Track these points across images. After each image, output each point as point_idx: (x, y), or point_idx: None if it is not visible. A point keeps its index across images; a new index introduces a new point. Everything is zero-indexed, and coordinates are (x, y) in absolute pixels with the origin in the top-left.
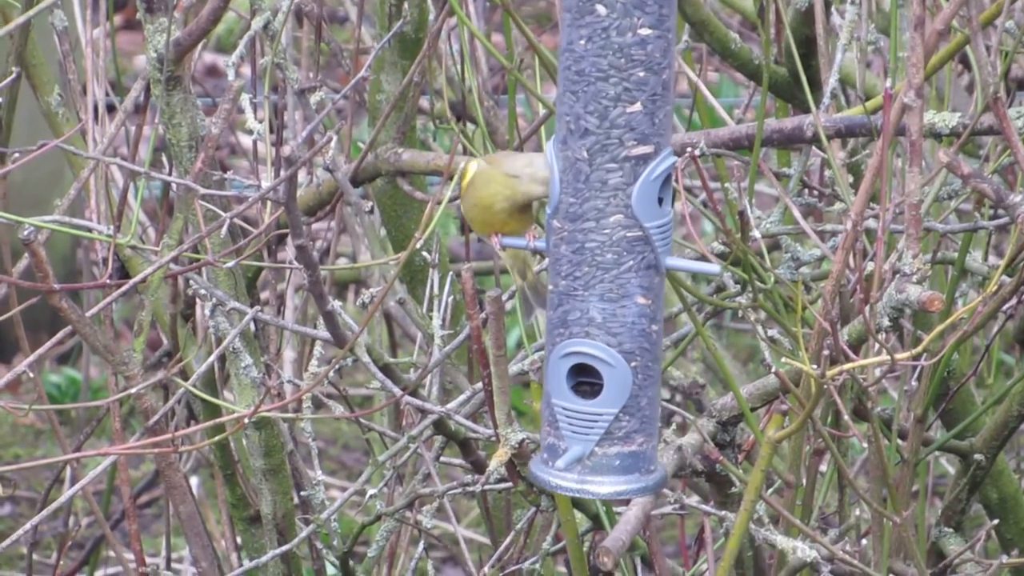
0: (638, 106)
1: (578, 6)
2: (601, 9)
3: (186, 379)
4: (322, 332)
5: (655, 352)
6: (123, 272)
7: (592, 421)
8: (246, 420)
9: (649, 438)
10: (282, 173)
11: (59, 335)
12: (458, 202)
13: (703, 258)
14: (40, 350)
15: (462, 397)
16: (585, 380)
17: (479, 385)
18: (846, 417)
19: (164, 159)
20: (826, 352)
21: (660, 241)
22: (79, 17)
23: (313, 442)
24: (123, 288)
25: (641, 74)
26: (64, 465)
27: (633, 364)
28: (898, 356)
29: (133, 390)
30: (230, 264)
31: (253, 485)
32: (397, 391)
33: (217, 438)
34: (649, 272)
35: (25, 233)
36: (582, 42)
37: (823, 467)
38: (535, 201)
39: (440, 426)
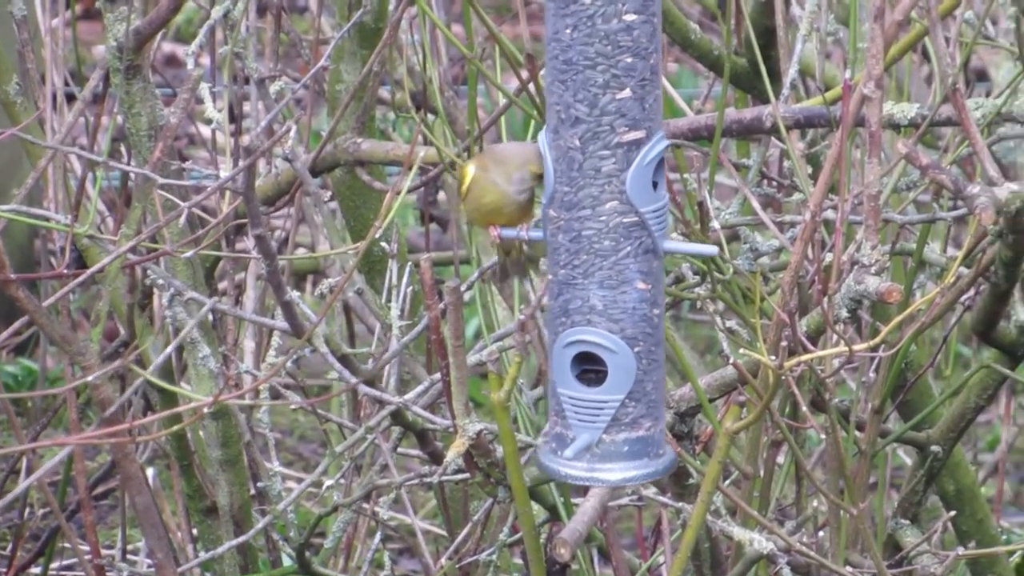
0: (627, 92)
1: None
2: None
3: (144, 369)
4: (280, 322)
5: (658, 336)
6: (81, 262)
7: (598, 408)
8: (204, 410)
9: (656, 422)
10: (241, 163)
11: (16, 325)
12: (416, 193)
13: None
14: None
15: (420, 388)
16: (589, 368)
17: (437, 376)
18: (804, 408)
19: (123, 149)
20: (784, 343)
21: (656, 225)
22: (39, 5)
23: (270, 433)
24: (81, 278)
25: (629, 60)
26: (20, 455)
27: (636, 349)
28: (856, 347)
29: (89, 378)
30: (188, 254)
31: (210, 476)
32: (354, 380)
33: (174, 428)
34: (647, 257)
35: None
36: (568, 31)
37: (780, 458)
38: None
39: (397, 417)
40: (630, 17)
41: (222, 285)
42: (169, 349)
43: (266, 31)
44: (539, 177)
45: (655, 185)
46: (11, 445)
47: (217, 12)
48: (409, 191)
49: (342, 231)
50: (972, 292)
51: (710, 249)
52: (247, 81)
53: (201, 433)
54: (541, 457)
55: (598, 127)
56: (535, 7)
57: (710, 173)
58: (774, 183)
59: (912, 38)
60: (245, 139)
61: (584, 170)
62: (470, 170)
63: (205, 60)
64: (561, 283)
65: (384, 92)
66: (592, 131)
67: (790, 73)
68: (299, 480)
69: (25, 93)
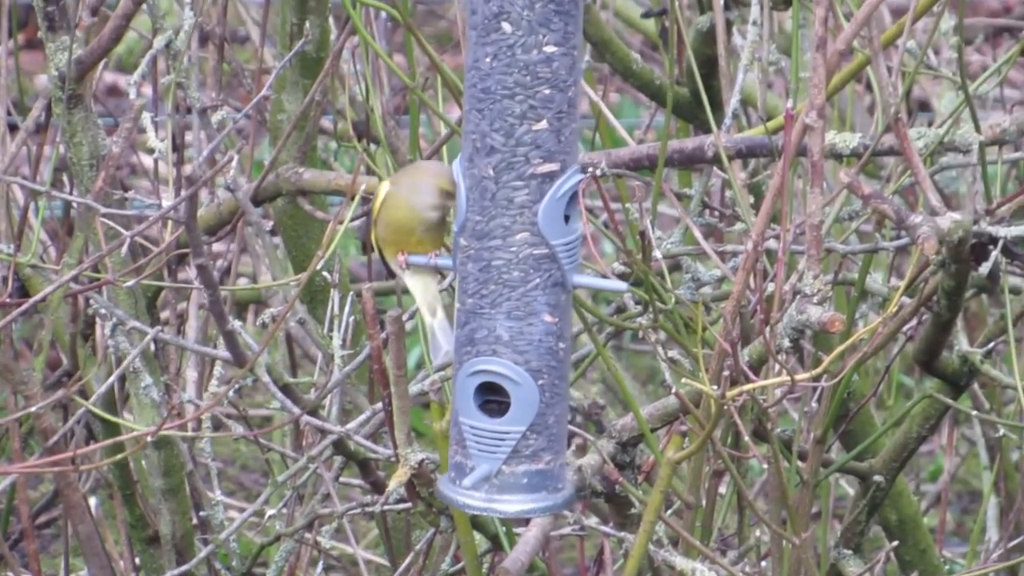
0: (544, 124)
1: (484, 24)
2: (507, 27)
3: (86, 399)
4: (222, 352)
5: (562, 370)
6: (23, 291)
7: (499, 439)
8: (147, 439)
9: (556, 456)
10: (183, 192)
11: None
12: (358, 222)
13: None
14: None
15: (361, 417)
16: (493, 398)
17: (379, 405)
18: (746, 438)
19: (65, 179)
20: (726, 373)
21: (567, 258)
22: None
23: (212, 462)
24: (23, 307)
25: (547, 91)
26: None
27: (540, 382)
28: (798, 377)
29: (32, 409)
30: (130, 283)
31: (152, 505)
32: (297, 410)
33: (116, 457)
34: (556, 290)
35: None
36: (488, 60)
37: (723, 488)
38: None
39: (340, 446)
40: (550, 49)
41: (164, 315)
42: (111, 379)
43: (208, 61)
44: (450, 196)
45: (567, 218)
46: None
47: (159, 42)
48: (351, 221)
49: (284, 261)
50: (914, 322)
51: (619, 285)
52: (189, 111)
53: (143, 462)
54: (441, 486)
55: (513, 157)
56: None
57: (652, 202)
58: (716, 213)
59: (854, 68)
60: (187, 169)
61: (497, 200)
62: (384, 186)
63: (147, 90)
64: (468, 312)
65: (326, 122)
66: (507, 161)
67: (732, 102)
68: (241, 509)
69: None
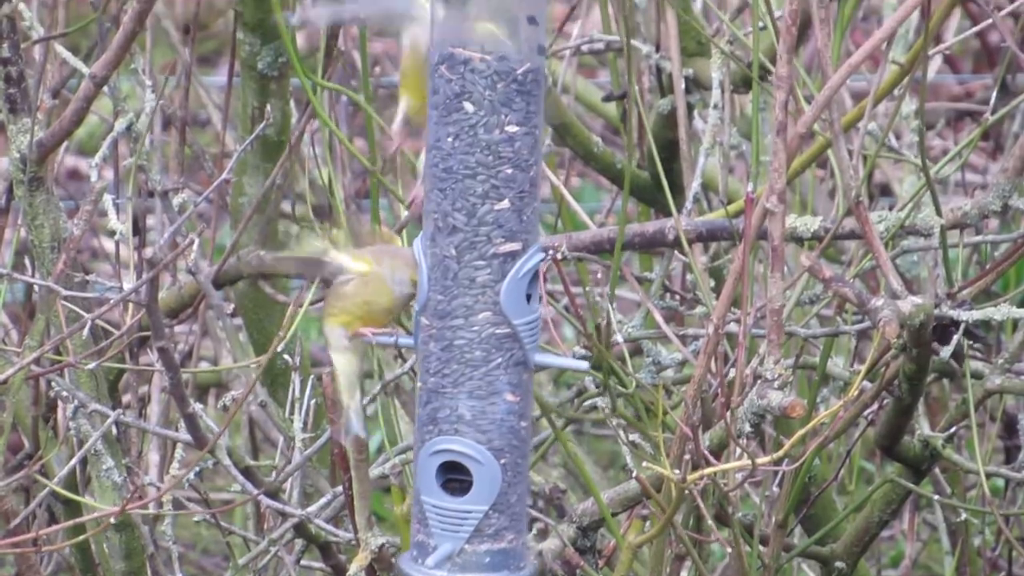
0: (506, 203)
1: (445, 103)
2: (469, 106)
3: (48, 481)
4: (183, 435)
5: (524, 449)
6: None
7: (462, 518)
8: (110, 520)
9: (519, 535)
10: (144, 275)
11: None
12: (320, 305)
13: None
14: None
15: (323, 500)
16: (455, 477)
17: (340, 488)
18: (709, 521)
19: (27, 262)
20: (687, 457)
21: (528, 338)
22: None
23: (173, 545)
24: None
25: (509, 171)
26: None
27: (503, 461)
28: (759, 460)
29: None
30: (91, 365)
31: None
32: (255, 491)
33: (79, 538)
34: (518, 369)
35: None
36: (450, 139)
37: (684, 573)
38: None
39: (301, 529)
40: (512, 128)
41: (126, 398)
42: (74, 460)
43: (170, 144)
44: (414, 285)
45: (528, 298)
46: None
47: (120, 124)
48: (312, 304)
49: (245, 345)
50: (875, 406)
51: (580, 364)
52: (151, 195)
53: (105, 546)
54: (402, 565)
55: (475, 237)
56: None
57: (611, 285)
58: (677, 296)
59: (815, 151)
60: (148, 251)
61: (459, 279)
62: (363, 265)
63: (108, 173)
64: (430, 391)
65: (287, 205)
66: (469, 241)
67: (693, 186)
68: None
69: None
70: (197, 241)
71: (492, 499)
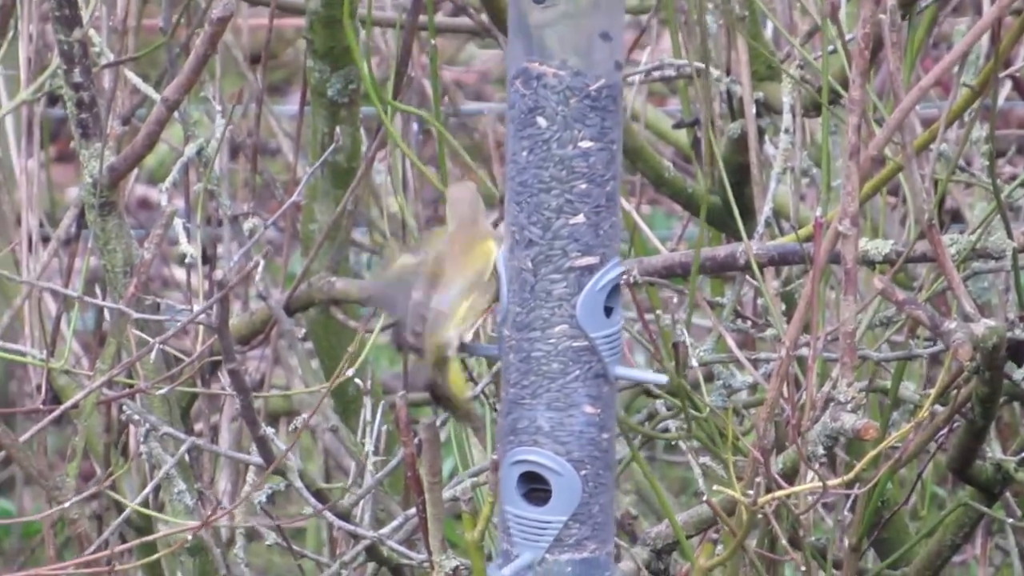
0: (581, 217)
1: (520, 118)
2: (542, 121)
3: (119, 507)
4: (255, 457)
5: (606, 460)
6: (56, 400)
7: (542, 528)
8: (187, 537)
9: (602, 545)
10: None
11: None
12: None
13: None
14: None
15: (395, 523)
16: (538, 487)
17: (412, 511)
18: (783, 542)
19: (97, 290)
20: (759, 480)
21: (608, 351)
22: (13, 147)
23: (246, 568)
24: (56, 411)
25: (584, 186)
26: None
27: (583, 472)
28: (830, 482)
29: (66, 504)
30: (163, 390)
31: None
32: (324, 508)
33: (152, 557)
34: (597, 381)
35: None
36: (524, 153)
37: None
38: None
39: (373, 552)
40: (586, 144)
41: (198, 426)
42: (154, 482)
43: (239, 173)
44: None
45: (608, 311)
46: None
47: (191, 149)
48: (382, 330)
49: (317, 371)
50: (946, 430)
51: (660, 378)
52: (220, 223)
53: (178, 572)
54: (489, 573)
55: (550, 250)
56: None
57: (688, 311)
58: (748, 321)
59: (887, 174)
60: (218, 274)
61: (536, 292)
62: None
63: (178, 200)
64: (510, 402)
65: (358, 234)
66: (544, 254)
67: (764, 210)
68: None
69: None
70: (263, 265)
71: (572, 510)
